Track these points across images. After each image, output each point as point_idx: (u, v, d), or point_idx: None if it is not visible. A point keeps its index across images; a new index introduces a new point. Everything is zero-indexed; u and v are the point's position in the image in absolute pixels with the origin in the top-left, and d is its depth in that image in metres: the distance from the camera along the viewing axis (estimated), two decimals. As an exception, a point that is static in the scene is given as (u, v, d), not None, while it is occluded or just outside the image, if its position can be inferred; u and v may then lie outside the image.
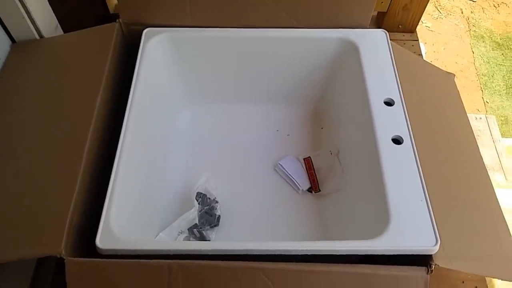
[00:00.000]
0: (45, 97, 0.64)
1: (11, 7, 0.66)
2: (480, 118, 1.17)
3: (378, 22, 1.04)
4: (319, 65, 0.77)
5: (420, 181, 0.58)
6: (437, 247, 0.52)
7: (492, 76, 1.53)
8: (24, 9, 0.68)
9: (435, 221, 0.54)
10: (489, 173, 0.66)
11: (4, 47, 0.70)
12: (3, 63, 0.69)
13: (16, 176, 0.56)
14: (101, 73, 0.65)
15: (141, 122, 0.64)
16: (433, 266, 0.51)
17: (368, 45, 0.72)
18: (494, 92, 1.48)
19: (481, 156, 0.67)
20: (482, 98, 1.45)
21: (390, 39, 0.74)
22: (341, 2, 0.72)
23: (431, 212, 0.55)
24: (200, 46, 0.74)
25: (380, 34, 0.74)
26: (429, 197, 0.56)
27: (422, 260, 0.52)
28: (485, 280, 0.69)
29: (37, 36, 0.72)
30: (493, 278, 0.75)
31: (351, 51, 0.72)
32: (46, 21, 0.74)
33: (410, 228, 0.53)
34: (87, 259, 0.50)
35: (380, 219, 0.55)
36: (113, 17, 0.99)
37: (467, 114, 0.73)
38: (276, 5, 0.72)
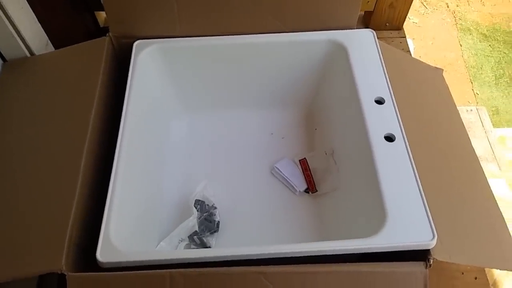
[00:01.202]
0: (39, 114, 0.65)
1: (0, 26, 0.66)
2: (471, 110, 1.18)
3: (365, 21, 1.05)
4: (309, 68, 0.78)
5: (414, 177, 0.59)
6: (435, 241, 0.53)
7: (481, 68, 1.55)
8: (13, 27, 0.68)
9: (431, 215, 0.55)
10: (483, 163, 0.67)
11: (-5, 66, 0.70)
12: (-6, 82, 0.69)
13: (13, 194, 0.56)
14: (94, 87, 0.65)
15: (136, 134, 0.64)
16: (432, 261, 0.51)
17: (356, 45, 0.73)
18: (483, 84, 1.50)
19: (473, 148, 0.68)
20: (472, 90, 1.47)
21: (378, 37, 0.75)
22: (327, 4, 0.73)
23: (427, 207, 0.56)
24: (190, 55, 0.75)
25: (367, 34, 0.75)
26: (424, 192, 0.57)
27: (421, 255, 0.53)
28: (484, 271, 0.69)
29: (27, 54, 0.73)
30: (492, 268, 0.76)
31: (340, 52, 0.73)
32: (36, 38, 0.74)
33: (407, 224, 0.54)
34: (89, 273, 0.50)
35: (376, 216, 0.56)
36: (103, 31, 0.99)
37: (458, 107, 0.74)
38: (263, 11, 0.73)
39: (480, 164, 0.67)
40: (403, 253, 0.53)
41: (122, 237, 0.54)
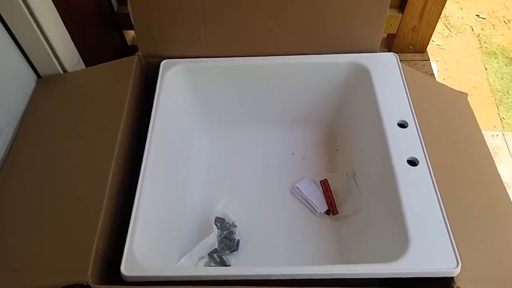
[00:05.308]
0: (70, 129, 0.67)
1: (37, 45, 0.70)
2: (497, 135, 1.16)
3: (389, 43, 1.06)
4: (332, 89, 0.79)
5: (438, 202, 0.58)
6: (459, 269, 0.51)
7: (507, 92, 1.52)
8: (49, 46, 0.72)
9: (455, 242, 0.54)
10: (509, 190, 0.65)
11: (31, 82, 0.74)
12: (29, 97, 0.72)
13: (42, 205, 0.58)
14: (122, 104, 0.68)
15: (161, 150, 0.66)
16: (455, 289, 0.50)
17: (379, 68, 0.73)
18: (510, 108, 1.46)
19: (499, 174, 0.67)
20: (498, 114, 1.44)
21: (401, 60, 0.75)
22: (351, 27, 0.74)
23: (451, 233, 0.55)
24: (215, 75, 0.77)
25: (390, 57, 0.75)
26: (447, 218, 0.56)
27: (444, 283, 0.52)
28: (510, 301, 0.67)
29: (61, 71, 0.76)
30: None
31: (363, 74, 0.74)
32: (69, 56, 0.78)
33: (430, 250, 0.53)
34: (112, 286, 0.51)
35: (399, 241, 0.55)
36: (131, 49, 1.03)
37: (483, 131, 0.73)
38: (288, 33, 0.74)
39: (506, 190, 0.65)
40: (424, 280, 0.52)
41: (145, 252, 0.55)
